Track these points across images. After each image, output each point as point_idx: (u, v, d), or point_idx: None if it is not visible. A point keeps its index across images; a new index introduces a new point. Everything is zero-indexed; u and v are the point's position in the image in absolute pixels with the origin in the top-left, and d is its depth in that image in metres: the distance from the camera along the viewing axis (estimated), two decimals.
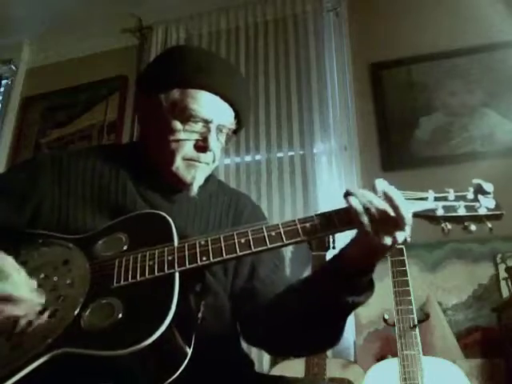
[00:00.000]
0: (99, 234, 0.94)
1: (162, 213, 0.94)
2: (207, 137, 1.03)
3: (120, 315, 0.77)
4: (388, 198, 0.80)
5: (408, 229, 0.80)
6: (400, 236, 0.79)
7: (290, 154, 2.64)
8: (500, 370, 1.92)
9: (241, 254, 0.83)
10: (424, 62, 2.61)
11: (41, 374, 0.75)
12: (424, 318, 1.83)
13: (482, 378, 1.92)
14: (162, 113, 1.04)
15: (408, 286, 1.84)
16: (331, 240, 2.16)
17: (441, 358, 1.80)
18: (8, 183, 1.05)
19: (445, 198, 0.85)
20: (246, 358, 1.11)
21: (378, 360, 1.88)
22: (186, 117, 1.03)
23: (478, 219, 0.83)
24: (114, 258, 0.87)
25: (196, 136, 1.04)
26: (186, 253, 0.84)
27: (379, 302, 1.96)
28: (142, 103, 1.12)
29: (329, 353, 1.97)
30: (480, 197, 0.85)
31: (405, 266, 1.88)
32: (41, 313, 0.81)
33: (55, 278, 0.86)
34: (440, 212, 0.83)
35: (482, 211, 0.83)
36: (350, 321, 2.15)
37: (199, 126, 1.04)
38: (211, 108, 1.03)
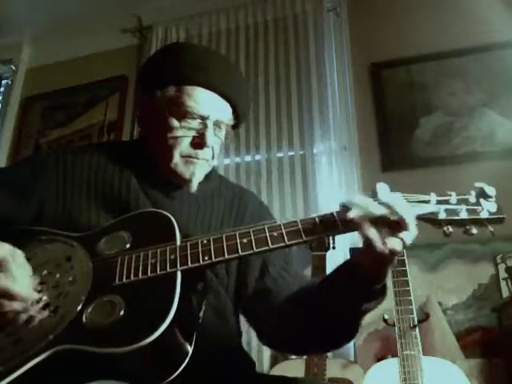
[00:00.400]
0: (102, 232, 0.94)
1: (164, 212, 0.94)
2: (204, 133, 1.03)
3: (122, 313, 0.78)
4: (385, 204, 0.79)
5: (413, 228, 0.79)
6: (407, 237, 0.78)
7: (290, 154, 2.64)
8: (500, 370, 1.92)
9: (242, 254, 0.83)
10: (424, 62, 2.61)
11: (42, 370, 0.75)
12: (424, 318, 1.83)
13: (482, 377, 1.92)
14: (159, 110, 1.04)
15: (408, 286, 1.84)
16: (331, 240, 2.16)
17: (441, 358, 1.80)
18: (11, 177, 1.06)
19: (447, 202, 0.85)
20: (246, 358, 1.11)
21: (378, 360, 1.88)
22: (183, 113, 1.02)
23: (480, 223, 0.83)
24: (117, 256, 0.88)
25: (193, 133, 1.03)
26: (189, 252, 0.84)
27: None
28: (141, 100, 1.12)
29: (329, 353, 1.97)
30: (482, 200, 0.85)
31: (405, 265, 1.88)
32: (43, 309, 0.81)
33: (58, 275, 0.87)
34: (442, 215, 0.83)
35: (484, 215, 0.83)
36: None
37: (196, 123, 1.03)
38: (208, 104, 1.03)
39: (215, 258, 0.83)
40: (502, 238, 2.13)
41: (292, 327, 0.98)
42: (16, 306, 0.78)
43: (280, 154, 2.65)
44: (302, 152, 2.62)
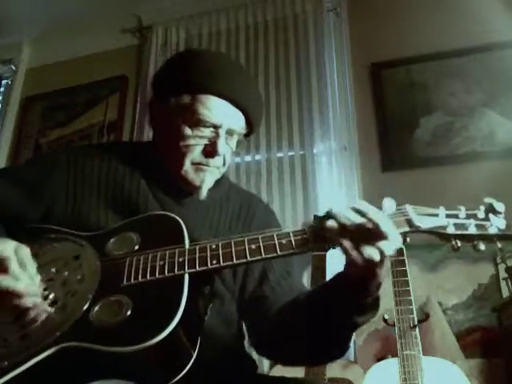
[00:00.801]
0: (111, 233, 0.94)
1: (174, 215, 0.95)
2: (216, 142, 1.03)
3: (129, 313, 0.78)
4: (360, 212, 0.78)
5: (393, 237, 0.78)
6: (386, 246, 0.77)
7: (290, 154, 2.64)
8: (500, 370, 1.92)
9: (251, 259, 0.84)
10: (424, 62, 2.61)
11: (47, 367, 0.75)
12: (424, 317, 1.83)
13: (482, 377, 1.92)
14: (172, 117, 1.04)
15: (408, 286, 1.84)
16: None
17: (441, 358, 1.80)
18: (22, 175, 1.06)
19: (456, 216, 0.84)
20: (248, 360, 1.11)
21: (378, 360, 1.88)
22: (196, 121, 1.02)
23: (489, 239, 0.83)
24: (125, 256, 0.88)
25: (205, 141, 1.03)
26: (197, 255, 0.84)
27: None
28: (154, 106, 1.12)
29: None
30: (491, 216, 0.84)
31: (405, 265, 1.88)
32: (50, 306, 0.82)
33: (66, 273, 0.87)
34: (451, 229, 0.82)
35: (493, 231, 0.82)
36: None
37: (208, 131, 1.03)
38: (220, 113, 1.03)
39: (223, 262, 0.83)
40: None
41: (282, 337, 0.98)
42: (22, 302, 0.79)
43: (280, 154, 2.65)
44: (302, 152, 2.62)
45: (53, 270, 0.87)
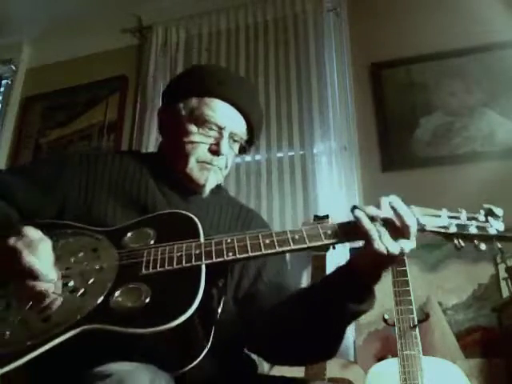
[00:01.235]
0: (127, 228, 0.98)
1: (188, 213, 0.99)
2: (220, 142, 1.10)
3: (148, 299, 0.80)
4: (393, 208, 0.84)
5: (413, 239, 0.84)
6: (406, 245, 0.83)
7: (290, 154, 2.64)
8: (500, 370, 1.92)
9: (266, 252, 0.87)
10: (424, 62, 2.61)
11: (68, 349, 0.77)
12: (424, 317, 1.83)
13: (482, 377, 1.92)
14: (180, 119, 1.12)
15: (408, 285, 1.84)
16: None
17: (441, 358, 1.80)
18: (37, 172, 1.11)
19: (457, 218, 0.89)
20: (249, 360, 1.12)
21: (378, 360, 1.88)
22: (202, 122, 1.10)
23: (489, 239, 0.88)
24: (143, 249, 0.91)
25: (210, 140, 1.11)
26: (213, 248, 0.88)
27: (379, 302, 1.95)
28: (164, 112, 1.20)
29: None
30: (490, 219, 0.89)
31: (405, 265, 1.88)
32: (70, 293, 0.84)
33: (84, 263, 0.90)
34: (453, 229, 0.88)
35: (493, 232, 0.88)
36: None
37: (213, 132, 1.11)
38: (225, 116, 1.11)
39: (239, 254, 0.87)
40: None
41: (278, 332, 0.99)
42: (40, 285, 0.81)
43: (280, 154, 2.65)
44: (302, 152, 2.62)
45: (71, 260, 0.90)
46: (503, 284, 2.08)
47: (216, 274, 0.89)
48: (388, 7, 2.78)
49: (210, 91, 1.12)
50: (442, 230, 0.88)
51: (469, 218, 0.89)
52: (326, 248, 2.13)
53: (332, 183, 2.53)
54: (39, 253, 0.82)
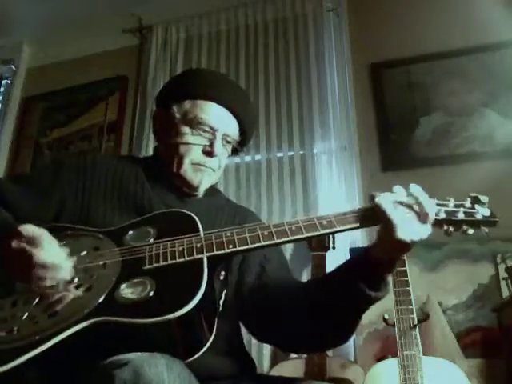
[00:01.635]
0: (127, 227, 0.99)
1: (187, 211, 1.01)
2: (213, 143, 1.12)
3: (152, 291, 0.82)
4: (414, 196, 0.87)
5: (430, 225, 0.87)
6: (424, 231, 0.86)
7: (290, 153, 2.64)
8: (500, 370, 1.92)
9: (265, 243, 0.89)
10: (424, 62, 2.61)
11: (76, 342, 0.78)
12: (424, 317, 1.83)
13: (482, 377, 1.92)
14: (174, 121, 1.14)
15: (408, 286, 1.84)
16: (331, 240, 2.16)
17: (441, 358, 1.80)
18: (34, 179, 1.13)
19: (446, 205, 0.93)
20: (248, 360, 1.12)
21: (378, 360, 1.88)
22: (195, 124, 1.13)
23: (476, 224, 0.92)
24: (144, 245, 0.93)
25: (204, 141, 1.13)
26: (214, 241, 0.90)
27: (379, 302, 1.96)
28: (158, 115, 1.22)
29: (329, 352, 1.97)
30: (477, 206, 0.94)
31: (405, 265, 1.88)
32: (76, 288, 0.86)
33: (87, 261, 0.91)
34: (442, 216, 0.91)
35: (479, 217, 0.92)
36: None
37: (207, 133, 1.13)
38: (218, 118, 1.14)
39: (239, 246, 0.89)
40: (501, 238, 2.13)
41: (291, 322, 1.01)
42: (59, 274, 0.84)
43: (280, 154, 2.65)
44: (302, 152, 2.62)
45: (74, 259, 0.91)
46: (503, 284, 2.08)
47: (217, 267, 0.90)
48: (388, 7, 2.78)
49: (203, 94, 1.14)
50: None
51: (456, 205, 0.93)
52: (326, 248, 2.14)
53: (332, 183, 2.53)
54: (46, 246, 0.84)
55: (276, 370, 1.95)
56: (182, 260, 0.87)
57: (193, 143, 1.12)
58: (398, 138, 2.53)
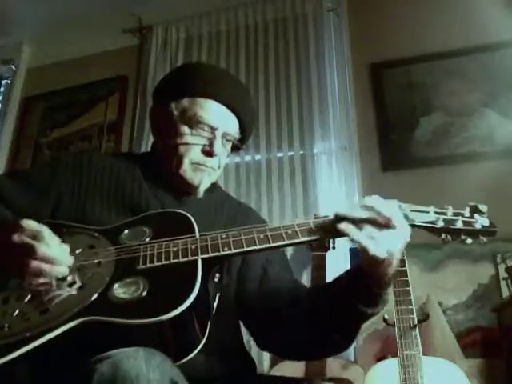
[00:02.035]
0: (123, 226, 0.99)
1: (182, 211, 1.00)
2: (213, 142, 1.10)
3: (145, 291, 0.82)
4: (369, 207, 0.85)
5: (404, 226, 0.85)
6: (399, 235, 0.84)
7: (290, 153, 2.64)
8: (500, 370, 1.92)
9: (260, 246, 0.89)
10: (424, 62, 2.61)
11: (66, 340, 0.78)
12: (424, 317, 1.83)
13: (482, 377, 1.92)
14: (172, 120, 1.11)
15: (408, 286, 1.84)
16: (331, 240, 2.16)
17: (441, 358, 1.80)
18: (31, 176, 1.12)
19: (444, 213, 0.92)
20: (248, 360, 1.12)
21: (378, 360, 1.88)
22: (194, 123, 1.09)
23: (475, 234, 0.91)
24: (139, 245, 0.92)
25: (203, 141, 1.10)
26: (209, 243, 0.89)
27: None
28: (155, 112, 1.19)
29: (326, 358, 1.96)
30: (476, 215, 0.92)
31: (405, 266, 1.88)
32: (69, 286, 0.85)
33: (82, 259, 0.91)
34: (440, 224, 0.90)
35: (478, 227, 0.91)
36: None
37: (206, 132, 1.10)
38: (217, 116, 1.11)
39: (234, 249, 0.88)
40: (501, 238, 2.13)
41: (292, 329, 1.00)
42: (58, 269, 0.84)
43: (280, 154, 2.65)
44: (302, 152, 2.62)
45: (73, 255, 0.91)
46: (503, 284, 2.08)
47: (211, 269, 0.90)
48: (388, 7, 2.77)
49: (202, 91, 1.11)
50: (430, 225, 0.90)
51: (455, 214, 0.92)
52: (326, 248, 2.14)
53: (332, 183, 2.53)
54: (47, 240, 0.84)
55: (276, 370, 1.95)
56: (176, 261, 0.87)
57: (192, 143, 1.09)
58: (398, 138, 2.53)
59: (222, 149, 1.12)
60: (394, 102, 2.60)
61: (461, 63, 2.55)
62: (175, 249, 0.88)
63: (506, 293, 2.06)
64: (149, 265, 0.87)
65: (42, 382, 0.82)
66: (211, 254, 0.87)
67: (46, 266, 0.83)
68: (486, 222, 0.91)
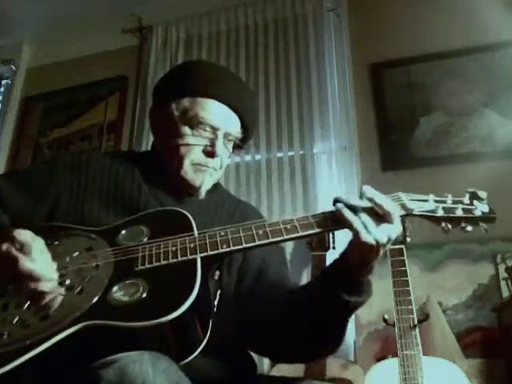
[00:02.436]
0: (120, 226, 0.98)
1: (180, 210, 0.99)
2: (215, 142, 1.08)
3: (145, 293, 0.81)
4: (368, 198, 0.86)
5: (397, 222, 0.85)
6: (392, 230, 0.85)
7: (290, 153, 2.64)
8: (500, 370, 1.92)
9: (259, 242, 0.88)
10: (424, 62, 2.61)
11: (67, 346, 0.77)
12: (424, 317, 1.83)
13: (482, 377, 1.92)
14: (172, 120, 1.09)
15: (408, 286, 1.84)
16: (331, 240, 2.16)
17: (441, 358, 1.80)
18: (29, 176, 1.10)
19: (444, 202, 0.91)
20: (248, 360, 1.12)
21: (378, 360, 1.88)
22: (195, 123, 1.07)
23: (475, 221, 0.90)
24: (137, 245, 0.91)
25: (204, 141, 1.08)
26: (207, 241, 0.88)
27: (379, 302, 1.96)
28: (155, 112, 1.17)
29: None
30: (475, 202, 0.92)
31: (405, 266, 1.88)
32: (67, 291, 0.84)
33: (80, 262, 0.90)
34: (440, 212, 0.89)
35: (478, 213, 0.90)
36: (350, 321, 2.15)
37: (207, 133, 1.08)
38: (219, 116, 1.09)
39: (233, 246, 0.87)
40: (501, 238, 2.13)
41: (283, 330, 1.00)
42: (42, 286, 0.82)
43: (280, 154, 2.65)
44: (302, 152, 2.62)
45: (67, 259, 0.90)
46: (503, 284, 2.08)
47: (211, 267, 0.89)
48: (388, 7, 2.78)
49: (203, 91, 1.09)
50: (430, 214, 0.90)
51: (454, 202, 0.91)
52: (326, 248, 2.14)
53: (332, 183, 2.53)
54: (34, 255, 0.82)
55: (276, 370, 1.95)
56: (175, 260, 0.86)
57: (193, 144, 1.07)
58: (397, 138, 2.53)
59: (223, 149, 1.10)
60: (394, 102, 2.60)
61: (461, 63, 2.55)
62: (174, 248, 0.87)
63: (506, 293, 2.06)
64: (147, 265, 0.86)
65: None
66: (210, 253, 0.86)
67: (28, 281, 0.81)
68: (486, 209, 0.91)
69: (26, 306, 0.83)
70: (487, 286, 2.11)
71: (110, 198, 1.06)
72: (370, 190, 0.87)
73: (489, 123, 2.42)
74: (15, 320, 0.81)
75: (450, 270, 2.18)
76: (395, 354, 1.75)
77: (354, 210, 0.86)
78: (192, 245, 0.88)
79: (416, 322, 1.77)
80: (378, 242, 0.83)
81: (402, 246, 1.91)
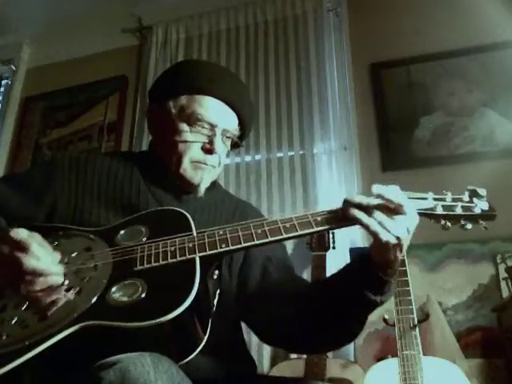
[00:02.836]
0: (119, 227, 0.98)
1: (179, 209, 0.99)
2: (213, 139, 1.08)
3: (144, 293, 0.81)
4: (378, 194, 0.85)
5: (413, 212, 0.84)
6: (410, 223, 0.84)
7: (290, 153, 2.64)
8: (500, 370, 1.92)
9: (258, 242, 0.87)
10: (424, 62, 2.61)
11: (66, 346, 0.77)
12: (424, 317, 1.83)
13: (482, 377, 1.92)
14: (170, 118, 1.09)
15: (408, 286, 1.84)
16: (331, 240, 2.16)
17: (441, 358, 1.80)
18: (27, 177, 1.11)
19: (443, 199, 0.91)
20: (248, 360, 1.12)
21: (378, 360, 1.88)
22: (193, 120, 1.08)
23: (474, 219, 0.89)
24: (136, 245, 0.91)
25: (203, 138, 1.08)
26: (206, 240, 0.88)
27: None
28: (153, 111, 1.17)
29: (329, 353, 1.97)
30: (475, 199, 0.91)
31: (405, 266, 1.88)
32: (67, 291, 0.84)
33: (79, 262, 0.90)
34: (439, 210, 0.89)
35: (477, 211, 0.90)
36: None
37: (205, 130, 1.08)
38: (217, 113, 1.09)
39: (232, 245, 0.87)
40: (501, 238, 2.13)
41: (295, 322, 1.00)
42: (48, 280, 0.82)
43: (280, 154, 2.65)
44: (301, 152, 2.62)
45: (65, 260, 0.89)
46: (503, 284, 2.08)
47: (210, 266, 0.89)
48: (388, 7, 2.78)
49: (200, 88, 1.09)
50: (429, 212, 0.89)
51: (454, 200, 0.91)
52: (326, 248, 2.13)
53: (332, 183, 2.53)
54: (34, 251, 0.82)
55: (276, 370, 1.96)
56: (173, 260, 0.86)
57: (192, 141, 1.07)
58: (397, 138, 2.53)
59: (222, 146, 1.11)
60: (394, 102, 2.60)
61: (461, 63, 2.55)
62: (172, 248, 0.87)
63: (506, 293, 2.06)
64: (146, 265, 0.86)
65: None
66: (209, 252, 0.86)
67: (34, 279, 0.81)
68: (486, 206, 0.90)
69: (24, 306, 0.83)
70: (487, 286, 2.11)
71: (109, 198, 1.06)
72: (376, 187, 0.86)
73: (489, 123, 2.42)
74: (14, 321, 0.81)
75: (450, 270, 2.18)
76: (395, 354, 1.75)
77: (366, 210, 0.84)
78: (191, 244, 0.87)
79: (416, 322, 1.77)
80: (398, 238, 0.83)
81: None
